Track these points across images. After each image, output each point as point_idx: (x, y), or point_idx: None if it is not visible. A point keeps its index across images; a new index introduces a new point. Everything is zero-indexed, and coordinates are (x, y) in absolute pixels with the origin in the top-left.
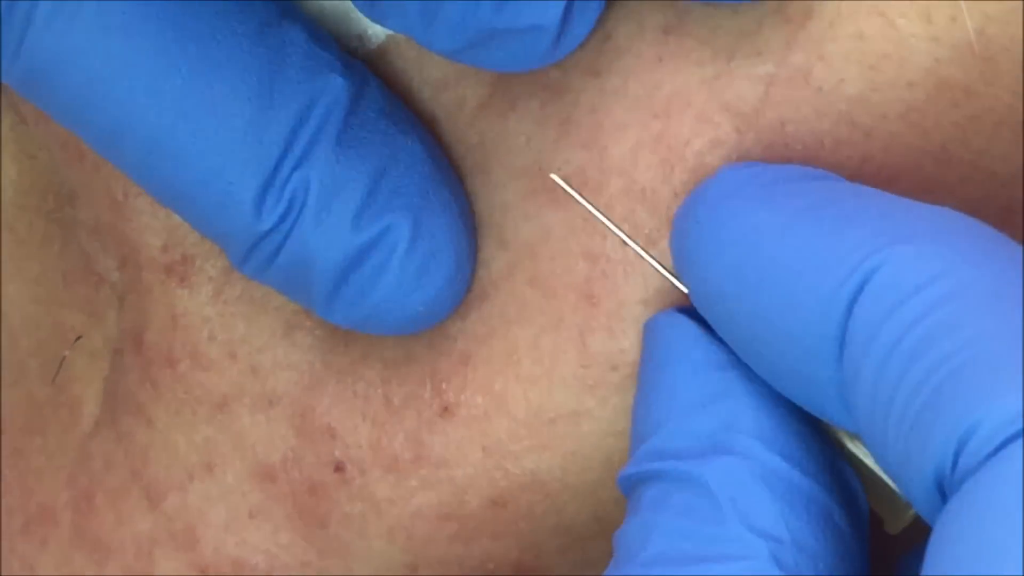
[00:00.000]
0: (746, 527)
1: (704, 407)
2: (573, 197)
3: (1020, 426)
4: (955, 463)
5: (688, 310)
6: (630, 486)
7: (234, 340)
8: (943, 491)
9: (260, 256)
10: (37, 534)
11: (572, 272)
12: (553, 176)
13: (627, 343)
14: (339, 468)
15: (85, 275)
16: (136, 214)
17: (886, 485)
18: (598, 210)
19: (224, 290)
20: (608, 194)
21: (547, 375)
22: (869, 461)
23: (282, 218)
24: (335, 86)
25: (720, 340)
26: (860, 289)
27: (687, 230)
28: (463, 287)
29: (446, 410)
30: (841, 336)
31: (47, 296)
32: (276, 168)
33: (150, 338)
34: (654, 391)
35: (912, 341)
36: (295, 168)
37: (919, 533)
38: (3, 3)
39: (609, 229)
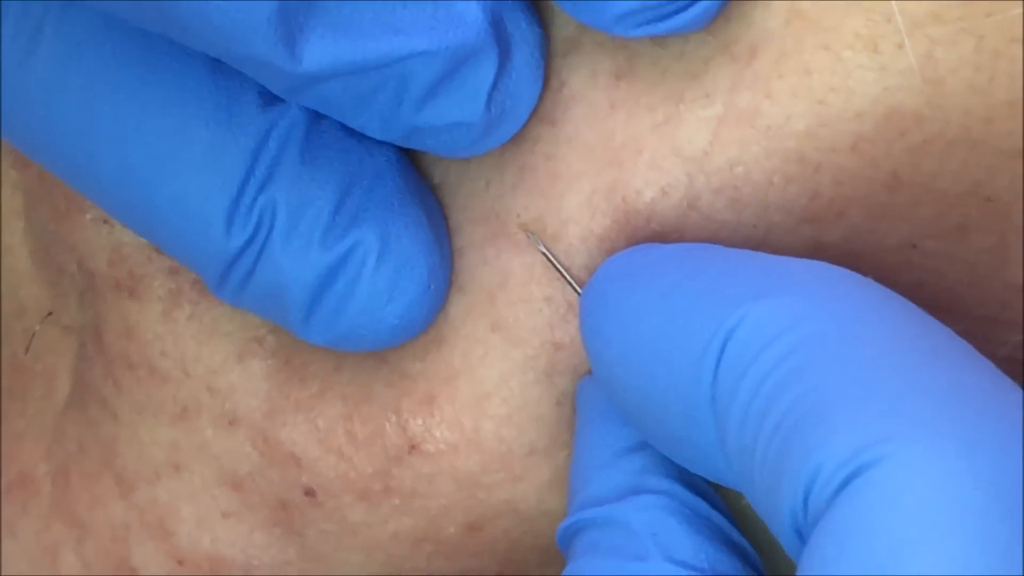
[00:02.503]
0: (667, 559)
1: (623, 457)
2: (542, 253)
3: (855, 465)
4: (806, 509)
5: None
6: (567, 541)
7: (186, 359)
8: (802, 538)
9: (234, 280)
10: (18, 498)
11: (534, 317)
12: (528, 236)
13: None
14: (309, 492)
15: (47, 259)
16: (79, 228)
17: None
18: (563, 269)
19: (173, 311)
20: (567, 242)
21: (520, 412)
22: None
23: (250, 240)
24: (295, 106)
25: None
26: (722, 350)
27: (580, 323)
28: (439, 297)
29: (413, 447)
30: (713, 398)
31: (19, 268)
32: (240, 191)
33: (109, 339)
34: (581, 449)
35: (766, 393)
36: (260, 190)
37: None
38: None
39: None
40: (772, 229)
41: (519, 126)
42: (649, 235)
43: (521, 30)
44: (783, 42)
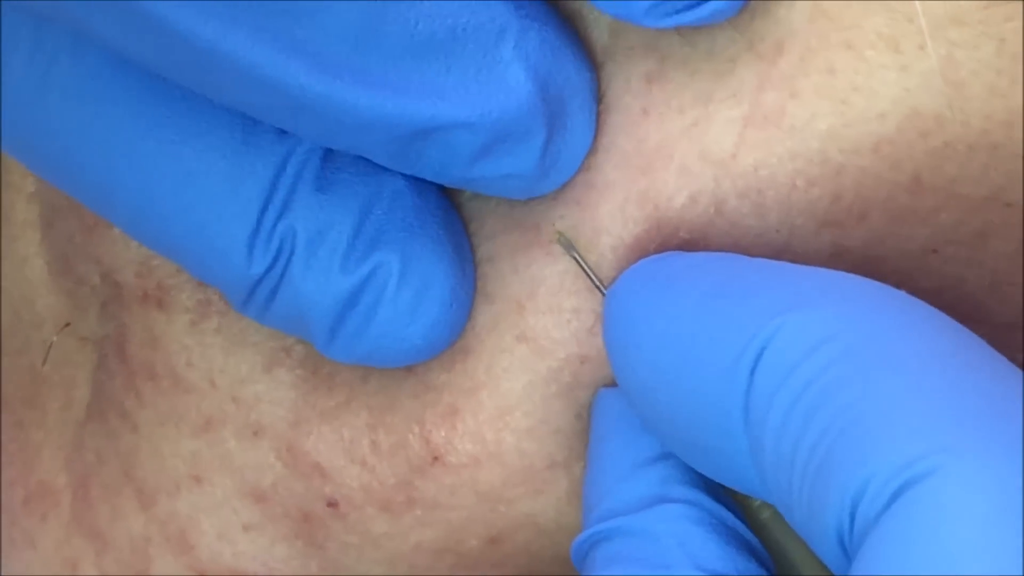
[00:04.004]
0: (696, 568)
1: (644, 468)
2: (572, 256)
3: (906, 477)
4: (852, 521)
5: None
6: (583, 554)
7: (213, 369)
8: (846, 550)
9: (257, 302)
10: (38, 510)
11: (562, 328)
12: (558, 232)
13: None
14: (332, 503)
15: (66, 270)
16: (108, 242)
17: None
18: (594, 276)
19: (201, 322)
20: (598, 252)
21: (541, 426)
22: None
23: (271, 267)
24: None
25: None
26: (758, 358)
27: (604, 330)
28: (461, 316)
29: (436, 459)
30: (746, 407)
31: (35, 279)
32: (259, 219)
33: (132, 351)
34: (599, 462)
35: (805, 404)
36: (279, 217)
37: None
38: None
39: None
40: (794, 233)
41: (575, 170)
42: (678, 243)
43: (571, 81)
44: (807, 39)
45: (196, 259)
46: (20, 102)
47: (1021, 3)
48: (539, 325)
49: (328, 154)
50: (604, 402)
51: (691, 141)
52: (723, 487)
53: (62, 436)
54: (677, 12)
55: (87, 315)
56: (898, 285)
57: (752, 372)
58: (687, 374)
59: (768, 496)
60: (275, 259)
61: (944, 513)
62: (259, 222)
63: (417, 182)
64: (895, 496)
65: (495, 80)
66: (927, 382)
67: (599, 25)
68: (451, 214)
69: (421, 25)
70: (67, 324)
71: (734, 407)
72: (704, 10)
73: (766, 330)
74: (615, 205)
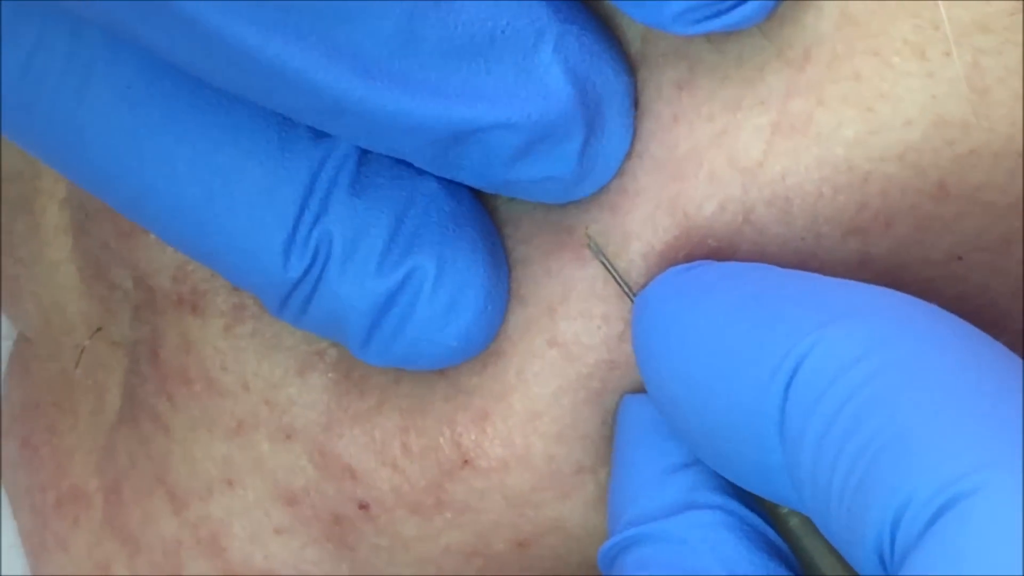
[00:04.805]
0: (729, 573)
1: (673, 474)
2: (600, 261)
3: (949, 495)
4: (893, 538)
5: None
6: (610, 560)
7: (246, 373)
8: (885, 566)
9: (293, 306)
10: (70, 513)
11: (592, 335)
12: (588, 237)
13: None
14: (363, 506)
15: (98, 275)
16: (144, 248)
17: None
18: (623, 281)
19: (235, 326)
20: (628, 258)
21: (569, 431)
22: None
23: (307, 271)
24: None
25: None
26: (794, 373)
27: (633, 337)
28: (496, 318)
29: (466, 462)
30: (781, 421)
31: (66, 284)
32: (296, 224)
33: (165, 355)
34: (626, 468)
35: (844, 420)
36: (315, 222)
37: None
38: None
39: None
40: (820, 241)
41: (612, 174)
42: (707, 251)
43: (609, 83)
44: (834, 46)
45: (232, 264)
46: (55, 109)
47: None
48: (570, 330)
49: (363, 158)
50: (630, 408)
51: (720, 148)
52: (751, 494)
53: (94, 440)
54: (705, 19)
55: (119, 320)
56: (923, 292)
57: (788, 386)
58: (720, 386)
59: (802, 507)
60: (311, 263)
61: (989, 532)
62: (295, 227)
63: (452, 186)
64: (938, 514)
65: (534, 82)
66: (966, 398)
67: (631, 31)
68: (485, 218)
69: (460, 28)
70: (99, 328)
71: (769, 420)
72: (732, 17)
73: (802, 344)
74: (646, 211)
